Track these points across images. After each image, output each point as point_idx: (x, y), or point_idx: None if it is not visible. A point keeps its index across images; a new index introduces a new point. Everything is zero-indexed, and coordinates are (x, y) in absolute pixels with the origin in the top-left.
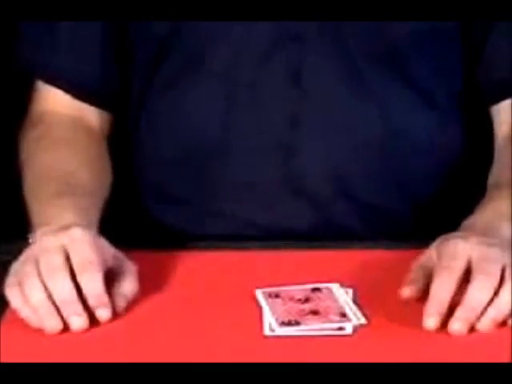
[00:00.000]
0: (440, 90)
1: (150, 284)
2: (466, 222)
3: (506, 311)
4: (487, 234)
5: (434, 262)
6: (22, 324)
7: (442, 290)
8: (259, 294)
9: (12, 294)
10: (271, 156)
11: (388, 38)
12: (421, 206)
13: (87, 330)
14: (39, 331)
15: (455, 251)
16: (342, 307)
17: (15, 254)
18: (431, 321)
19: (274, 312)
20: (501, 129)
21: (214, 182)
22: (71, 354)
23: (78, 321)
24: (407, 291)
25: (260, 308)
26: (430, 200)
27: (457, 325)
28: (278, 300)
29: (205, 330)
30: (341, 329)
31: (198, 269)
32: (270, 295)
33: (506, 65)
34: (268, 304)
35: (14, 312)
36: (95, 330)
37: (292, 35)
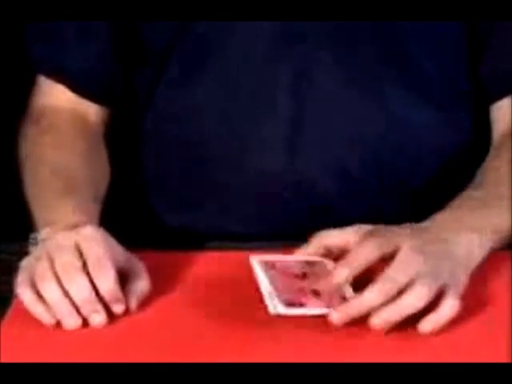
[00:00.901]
0: (447, 89)
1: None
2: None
3: (402, 314)
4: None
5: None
6: (23, 324)
7: (359, 254)
8: (255, 263)
9: (25, 292)
10: (274, 155)
11: (393, 36)
12: (424, 207)
13: (87, 330)
14: (39, 331)
15: (370, 243)
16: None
17: (16, 253)
18: (342, 272)
19: (274, 288)
20: (498, 127)
21: (216, 180)
22: (72, 354)
23: (98, 318)
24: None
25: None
26: (434, 201)
27: (334, 316)
28: (274, 272)
29: (205, 331)
30: None
31: (199, 269)
32: (266, 264)
33: (509, 59)
34: (267, 276)
35: (14, 312)
36: (95, 330)
37: (297, 35)
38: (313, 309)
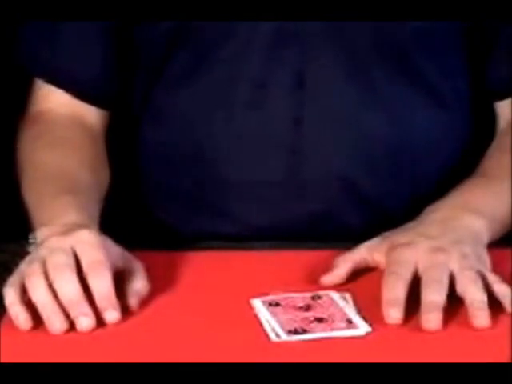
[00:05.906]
0: (447, 89)
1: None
2: (432, 207)
3: (485, 301)
4: (448, 222)
5: (375, 261)
6: None
7: (393, 289)
8: (257, 303)
9: (9, 292)
10: (274, 156)
11: (392, 36)
12: (425, 207)
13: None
14: (39, 331)
15: (402, 259)
16: (346, 314)
17: (15, 254)
18: (393, 312)
19: (277, 320)
20: (500, 123)
21: (215, 182)
22: (72, 354)
23: (86, 321)
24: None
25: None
26: (435, 200)
27: (430, 324)
28: (277, 308)
29: (204, 331)
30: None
31: (198, 269)
32: (270, 304)
33: None
34: (268, 311)
35: None
36: (95, 330)
37: (296, 35)
38: (317, 333)
